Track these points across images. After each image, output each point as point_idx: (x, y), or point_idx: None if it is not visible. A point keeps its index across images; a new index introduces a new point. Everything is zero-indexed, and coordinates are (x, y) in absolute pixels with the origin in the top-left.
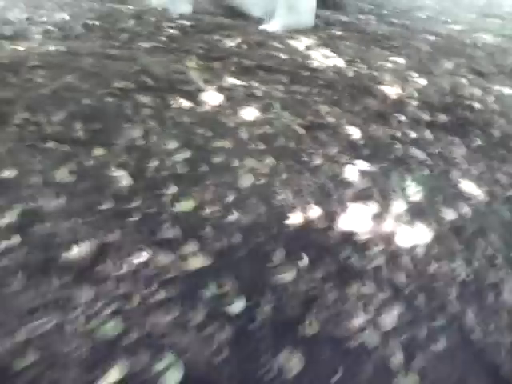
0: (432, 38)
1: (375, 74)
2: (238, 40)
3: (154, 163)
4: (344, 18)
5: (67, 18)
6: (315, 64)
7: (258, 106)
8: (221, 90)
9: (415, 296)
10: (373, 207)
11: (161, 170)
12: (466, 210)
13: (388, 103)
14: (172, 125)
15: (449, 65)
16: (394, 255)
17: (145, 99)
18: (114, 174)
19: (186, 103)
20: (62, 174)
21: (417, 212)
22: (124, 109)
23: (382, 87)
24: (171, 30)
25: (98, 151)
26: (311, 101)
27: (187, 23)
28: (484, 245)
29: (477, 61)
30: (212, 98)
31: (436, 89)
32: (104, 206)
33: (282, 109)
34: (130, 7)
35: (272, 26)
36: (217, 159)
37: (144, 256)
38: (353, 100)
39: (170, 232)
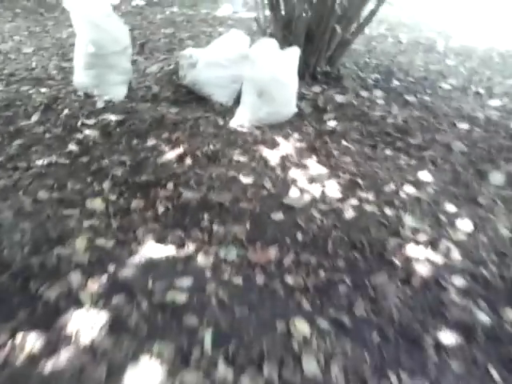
0: (465, 125)
1: (389, 214)
2: (181, 150)
3: None
4: (340, 98)
5: None
6: (292, 196)
7: None
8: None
9: None
10: None
11: None
12: None
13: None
14: None
15: (499, 179)
16: None
17: None
18: None
19: None
20: None
21: None
22: None
23: (403, 255)
24: (87, 131)
25: None
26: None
27: (113, 118)
28: None
29: None
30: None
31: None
32: None
33: None
34: (43, 90)
35: (235, 120)
36: None
37: None
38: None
39: None
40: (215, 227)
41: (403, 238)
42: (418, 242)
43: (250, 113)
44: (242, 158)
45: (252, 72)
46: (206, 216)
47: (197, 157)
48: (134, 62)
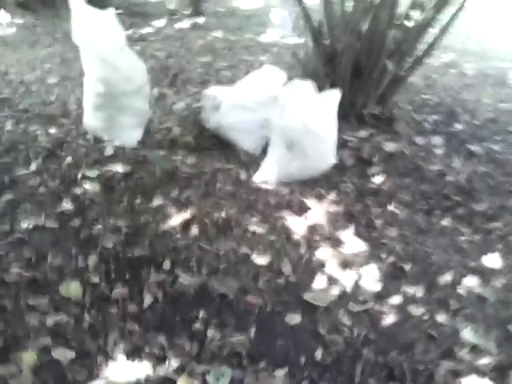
0: None
1: (441, 322)
2: (188, 215)
3: None
4: (389, 146)
5: None
6: (316, 288)
7: None
8: None
9: None
10: None
11: None
12: None
13: None
14: None
15: None
16: None
17: None
18: None
19: None
20: None
21: None
22: None
23: None
24: (87, 185)
25: None
26: None
27: (119, 169)
28: None
29: None
30: None
31: None
32: None
33: None
34: (52, 131)
35: (260, 175)
36: None
37: None
38: None
39: None
40: (210, 333)
41: (459, 361)
42: (479, 370)
43: (278, 167)
44: (260, 229)
45: (281, 120)
46: (201, 313)
47: (205, 225)
48: (162, 96)
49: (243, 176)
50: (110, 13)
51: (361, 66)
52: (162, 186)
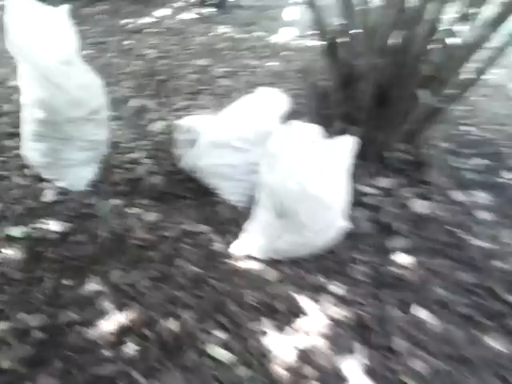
0: None
1: None
2: (124, 319)
3: None
4: (418, 204)
5: None
6: None
7: None
8: None
9: None
10: None
11: None
12: None
13: None
14: None
15: None
16: None
17: None
18: None
19: None
20: None
21: None
22: None
23: None
24: (8, 250)
25: None
26: None
27: (53, 227)
28: None
29: None
30: None
31: None
32: None
33: None
34: None
35: (240, 245)
36: None
37: None
38: None
39: None
40: None
41: None
42: None
43: (264, 238)
44: (223, 352)
45: (270, 176)
46: None
47: (146, 340)
48: (139, 111)
49: (218, 245)
50: (62, 10)
51: (385, 93)
52: (102, 260)
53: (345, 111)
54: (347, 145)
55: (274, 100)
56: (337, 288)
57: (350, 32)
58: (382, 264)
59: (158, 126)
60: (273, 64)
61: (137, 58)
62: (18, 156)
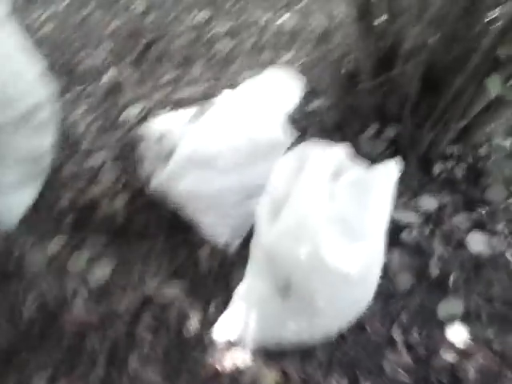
0: None
1: None
2: None
3: None
4: (475, 240)
5: None
6: None
7: None
8: None
9: None
10: None
11: None
12: None
13: None
14: None
15: None
16: None
17: None
18: None
19: None
20: None
21: None
22: None
23: None
24: None
25: None
26: None
27: None
28: None
29: None
30: None
31: None
32: None
33: None
34: None
35: (222, 329)
36: None
37: None
38: None
39: None
40: None
41: None
42: None
43: (261, 321)
44: None
45: (271, 234)
46: None
47: None
48: (114, 89)
49: (194, 324)
50: None
51: (438, 79)
52: (22, 358)
53: (380, 101)
54: (389, 177)
55: (284, 90)
56: None
57: None
58: (433, 349)
59: (132, 112)
60: (288, 19)
61: (122, 11)
62: None
